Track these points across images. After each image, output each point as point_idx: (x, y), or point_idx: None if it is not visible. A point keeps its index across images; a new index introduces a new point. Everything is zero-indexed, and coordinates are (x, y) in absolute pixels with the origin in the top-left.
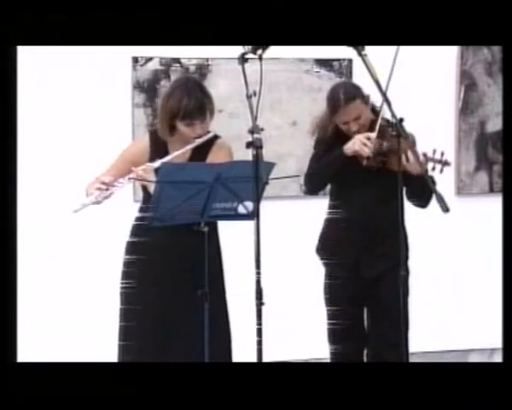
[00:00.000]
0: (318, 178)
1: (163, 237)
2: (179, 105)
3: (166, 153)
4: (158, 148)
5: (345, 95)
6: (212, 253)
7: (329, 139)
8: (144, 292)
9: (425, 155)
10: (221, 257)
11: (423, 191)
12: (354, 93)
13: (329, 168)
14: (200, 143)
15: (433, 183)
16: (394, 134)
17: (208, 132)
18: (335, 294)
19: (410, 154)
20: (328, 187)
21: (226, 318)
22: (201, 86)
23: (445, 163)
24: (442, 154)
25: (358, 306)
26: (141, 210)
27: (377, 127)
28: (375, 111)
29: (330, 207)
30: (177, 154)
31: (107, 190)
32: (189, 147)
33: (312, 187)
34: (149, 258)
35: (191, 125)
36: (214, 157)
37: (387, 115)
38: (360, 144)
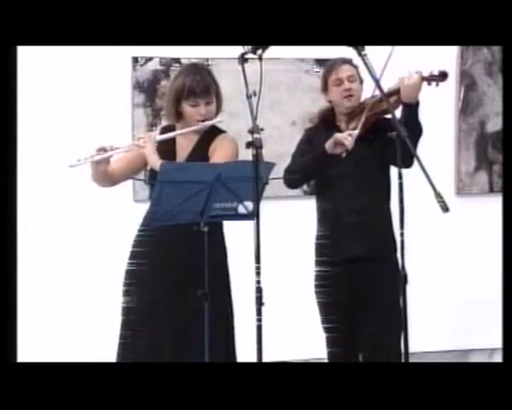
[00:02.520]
0: (298, 176)
1: (166, 237)
2: (184, 82)
3: (174, 141)
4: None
5: (342, 59)
6: (215, 254)
7: (315, 127)
8: (146, 293)
9: (421, 74)
10: (226, 259)
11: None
12: (351, 62)
13: (310, 167)
14: (207, 127)
15: (434, 188)
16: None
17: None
18: (327, 296)
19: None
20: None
21: (227, 321)
22: (209, 71)
23: (441, 74)
24: (439, 71)
25: (352, 307)
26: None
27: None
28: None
29: (317, 206)
30: (181, 132)
31: (105, 151)
32: (193, 128)
33: (290, 183)
34: (153, 258)
35: (196, 106)
36: (218, 145)
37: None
38: (342, 137)
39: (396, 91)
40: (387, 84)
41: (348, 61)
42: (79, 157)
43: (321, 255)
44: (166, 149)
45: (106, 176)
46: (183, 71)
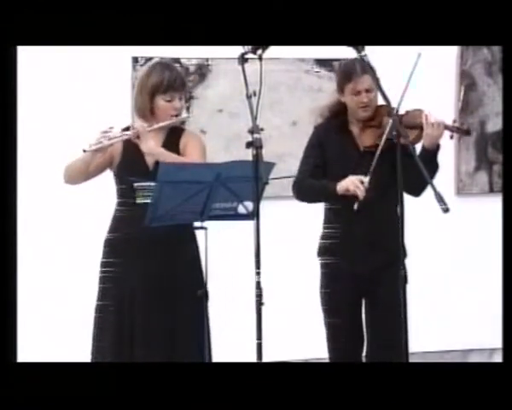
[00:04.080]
0: (307, 198)
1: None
2: (162, 77)
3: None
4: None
5: (361, 66)
6: (186, 254)
7: (325, 124)
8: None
9: (443, 123)
10: (199, 257)
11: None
12: (369, 68)
13: (319, 198)
14: (177, 123)
15: (433, 185)
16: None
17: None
18: (334, 296)
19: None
20: None
21: (202, 319)
22: (180, 67)
23: (466, 132)
24: (462, 123)
25: (356, 306)
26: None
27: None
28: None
29: (325, 209)
30: (156, 127)
31: (107, 138)
32: (172, 121)
33: (299, 198)
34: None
35: (171, 101)
36: (187, 141)
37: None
38: (354, 186)
39: (419, 127)
40: (388, 84)
41: (367, 70)
42: (90, 142)
43: (327, 255)
44: (136, 145)
45: (86, 168)
46: (155, 67)
